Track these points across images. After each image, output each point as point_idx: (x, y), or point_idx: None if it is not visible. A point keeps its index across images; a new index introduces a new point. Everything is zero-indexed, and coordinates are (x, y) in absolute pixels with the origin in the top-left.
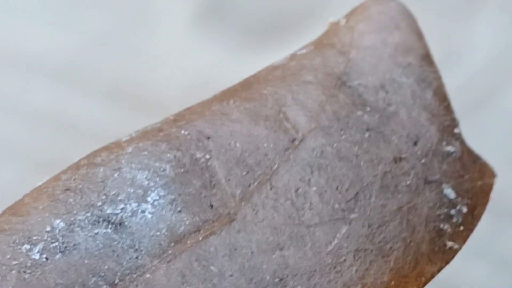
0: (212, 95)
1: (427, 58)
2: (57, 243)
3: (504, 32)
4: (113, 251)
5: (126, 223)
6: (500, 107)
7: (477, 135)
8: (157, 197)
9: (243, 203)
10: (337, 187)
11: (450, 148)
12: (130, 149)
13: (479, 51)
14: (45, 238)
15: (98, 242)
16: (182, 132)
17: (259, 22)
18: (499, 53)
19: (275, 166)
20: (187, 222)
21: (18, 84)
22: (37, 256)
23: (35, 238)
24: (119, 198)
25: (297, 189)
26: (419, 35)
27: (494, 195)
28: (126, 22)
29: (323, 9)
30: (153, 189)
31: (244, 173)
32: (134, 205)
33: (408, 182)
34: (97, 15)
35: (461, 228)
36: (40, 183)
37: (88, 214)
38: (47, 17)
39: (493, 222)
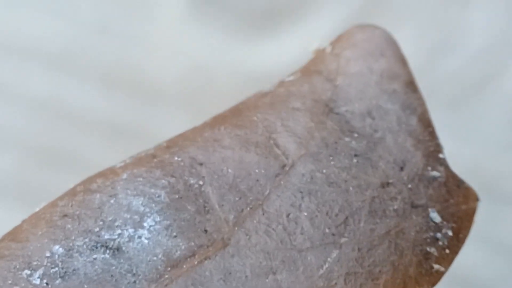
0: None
1: (411, 85)
2: (56, 268)
3: (500, 18)
4: (112, 275)
5: (123, 248)
6: (496, 92)
7: (473, 120)
8: (153, 223)
9: (236, 228)
10: (327, 212)
11: (435, 173)
12: (125, 176)
13: (474, 37)
14: (45, 263)
15: (96, 267)
16: (175, 158)
17: (255, 7)
18: (495, 39)
19: (267, 192)
20: (183, 247)
21: (13, 71)
22: (37, 281)
23: (35, 263)
24: (116, 224)
25: (289, 214)
26: (404, 62)
27: (491, 180)
28: (122, 8)
29: None
30: (149, 214)
31: (237, 198)
32: (131, 230)
33: (395, 207)
34: (94, 1)
35: (447, 251)
36: (37, 209)
37: (86, 240)
38: (43, 4)
39: (493, 206)
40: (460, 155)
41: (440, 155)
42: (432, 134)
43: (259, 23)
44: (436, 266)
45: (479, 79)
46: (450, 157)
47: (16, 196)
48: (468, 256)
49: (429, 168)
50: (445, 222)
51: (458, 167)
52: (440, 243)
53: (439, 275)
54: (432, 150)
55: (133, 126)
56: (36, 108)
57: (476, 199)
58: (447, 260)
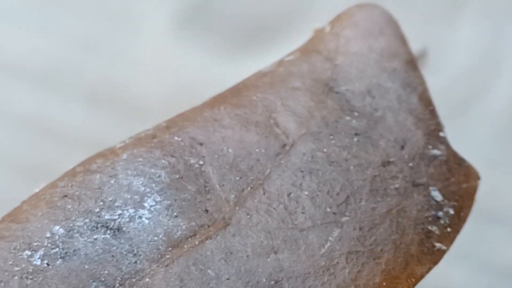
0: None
1: (411, 63)
2: (57, 249)
3: (486, 35)
4: (112, 256)
5: (124, 228)
6: (483, 109)
7: (460, 137)
8: (154, 203)
9: (237, 208)
10: (328, 191)
11: (436, 152)
12: (125, 156)
13: (461, 54)
14: (45, 244)
15: (97, 247)
16: (175, 138)
17: (241, 25)
18: (481, 56)
19: (267, 171)
20: (184, 227)
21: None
22: (38, 262)
23: (35, 244)
24: (116, 204)
25: (290, 194)
26: (403, 41)
27: (477, 197)
28: (107, 25)
29: (305, 14)
30: (149, 195)
31: (238, 178)
32: (131, 210)
33: (396, 185)
34: (78, 19)
35: (448, 229)
36: (37, 190)
37: (87, 220)
38: (28, 21)
39: (477, 225)
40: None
41: (441, 134)
42: (433, 113)
43: (243, 42)
44: (438, 245)
45: (464, 98)
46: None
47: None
48: (454, 274)
49: (430, 146)
50: (446, 201)
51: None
52: (442, 221)
53: (441, 253)
54: (433, 128)
55: (118, 143)
56: (20, 125)
57: (477, 177)
58: (448, 238)
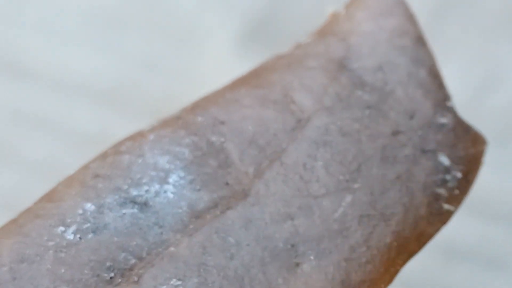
0: None
1: (420, 40)
2: (88, 224)
3: None
4: (140, 228)
5: (150, 203)
6: None
7: None
8: (178, 178)
9: (256, 180)
10: (341, 161)
11: (444, 120)
12: (152, 137)
13: None
14: (77, 220)
15: (126, 221)
16: (199, 118)
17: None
18: None
19: (284, 145)
20: (206, 199)
21: (63, 106)
22: (71, 237)
23: (68, 220)
24: (143, 181)
25: (305, 164)
26: (412, 20)
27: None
28: (170, 44)
29: None
30: (174, 171)
31: (256, 152)
32: (157, 186)
33: (406, 153)
34: (142, 38)
35: (456, 191)
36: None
37: (116, 197)
38: (92, 40)
39: (483, 225)
40: (506, 191)
41: (448, 103)
42: (441, 85)
43: None
44: (446, 206)
45: None
46: (496, 192)
47: None
48: (458, 272)
49: (438, 115)
50: (454, 165)
51: (504, 202)
52: (450, 184)
53: (449, 214)
54: (440, 99)
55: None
56: (84, 143)
57: (484, 142)
58: (456, 200)
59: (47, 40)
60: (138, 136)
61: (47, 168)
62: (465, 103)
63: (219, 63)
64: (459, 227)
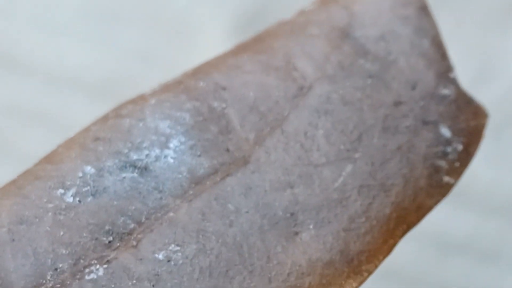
0: None
1: (424, 10)
2: (88, 187)
3: None
4: (139, 193)
5: (150, 167)
6: None
7: None
8: (178, 144)
9: (256, 147)
10: (342, 130)
11: (446, 92)
12: (153, 101)
13: None
14: (77, 183)
15: (125, 185)
16: (200, 84)
17: None
18: None
19: (286, 112)
20: (206, 165)
21: (57, 99)
22: (70, 199)
23: (68, 183)
24: (143, 145)
25: (306, 133)
26: None
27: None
28: (164, 37)
29: None
30: (174, 136)
31: (257, 119)
32: (157, 151)
33: (407, 124)
34: (136, 31)
35: (457, 164)
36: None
37: (116, 161)
38: (86, 33)
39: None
40: (500, 183)
41: (451, 75)
42: (444, 56)
43: None
44: (446, 178)
45: None
46: (490, 185)
47: None
48: (453, 265)
49: (440, 86)
50: (455, 137)
51: (498, 195)
52: (450, 156)
53: (449, 186)
54: (443, 70)
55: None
56: None
57: (485, 115)
58: (457, 172)
59: (41, 33)
60: (139, 100)
61: None
62: None
63: (212, 55)
64: (453, 219)
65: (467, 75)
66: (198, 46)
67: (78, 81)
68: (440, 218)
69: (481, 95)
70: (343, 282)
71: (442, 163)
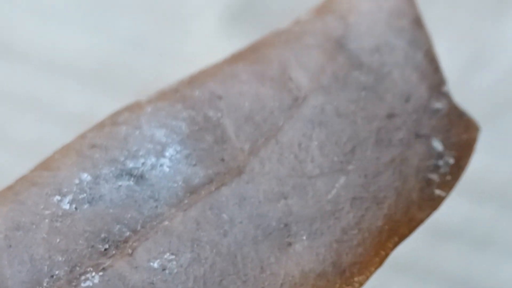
0: None
1: (418, 22)
2: (84, 195)
3: None
4: (135, 201)
5: (146, 176)
6: None
7: (507, 135)
8: (174, 152)
9: (251, 157)
10: (336, 142)
11: (438, 105)
12: (149, 109)
13: (508, 51)
14: (74, 190)
15: (121, 193)
16: (196, 92)
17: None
18: None
19: (281, 123)
20: (201, 175)
21: (50, 86)
22: (67, 206)
23: (65, 190)
24: (140, 153)
25: (300, 144)
26: (411, 1)
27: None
28: (157, 24)
29: None
30: (170, 145)
31: (252, 129)
32: (153, 159)
33: (400, 136)
34: (129, 18)
35: (448, 177)
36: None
37: (112, 168)
38: (79, 20)
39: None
40: (494, 170)
41: (444, 88)
42: (437, 69)
43: None
44: (437, 192)
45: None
46: (484, 172)
47: None
48: (448, 251)
49: (433, 100)
50: (447, 151)
51: (491, 182)
52: (442, 170)
53: (440, 199)
54: (436, 83)
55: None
56: (73, 122)
57: (477, 129)
58: (448, 185)
59: (34, 20)
60: (135, 107)
61: (35, 148)
62: (452, 82)
63: (206, 43)
64: (446, 206)
65: (459, 63)
66: (192, 33)
67: (72, 68)
68: (437, 211)
69: (475, 81)
70: None
71: (434, 177)
